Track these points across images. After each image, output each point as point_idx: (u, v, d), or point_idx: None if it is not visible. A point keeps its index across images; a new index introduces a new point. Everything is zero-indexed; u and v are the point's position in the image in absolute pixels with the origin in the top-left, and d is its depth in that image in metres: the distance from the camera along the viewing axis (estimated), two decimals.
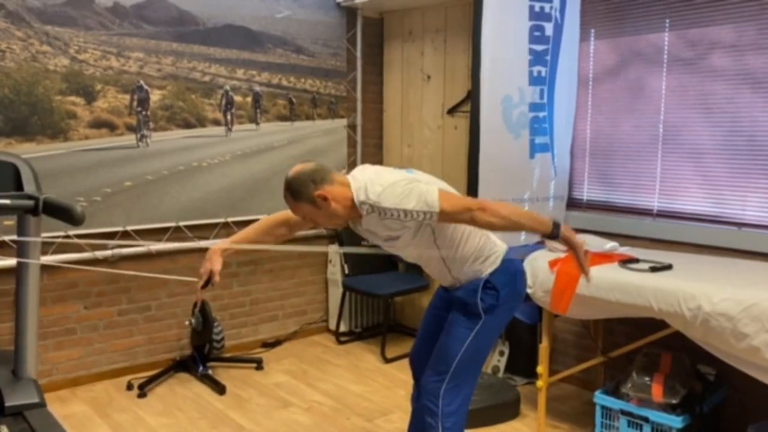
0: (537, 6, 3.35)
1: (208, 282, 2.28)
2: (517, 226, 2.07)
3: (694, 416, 2.75)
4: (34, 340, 2.56)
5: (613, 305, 2.71)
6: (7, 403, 2.35)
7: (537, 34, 3.38)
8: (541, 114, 3.47)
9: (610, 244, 3.15)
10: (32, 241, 2.46)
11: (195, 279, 2.33)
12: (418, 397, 2.46)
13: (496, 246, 2.31)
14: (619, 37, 3.48)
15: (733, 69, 3.08)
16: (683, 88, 3.26)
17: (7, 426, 2.24)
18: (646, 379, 2.84)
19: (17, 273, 2.50)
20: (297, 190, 2.13)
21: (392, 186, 2.04)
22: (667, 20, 3.28)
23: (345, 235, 4.45)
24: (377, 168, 2.20)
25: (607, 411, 2.91)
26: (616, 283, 2.68)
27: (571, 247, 2.14)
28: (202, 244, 3.97)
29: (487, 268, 2.25)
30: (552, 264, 2.91)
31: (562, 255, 3.00)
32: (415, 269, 4.56)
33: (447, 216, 2.04)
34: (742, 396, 3.05)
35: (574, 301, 2.81)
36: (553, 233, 2.09)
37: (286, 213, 2.35)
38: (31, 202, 2.31)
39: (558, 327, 3.77)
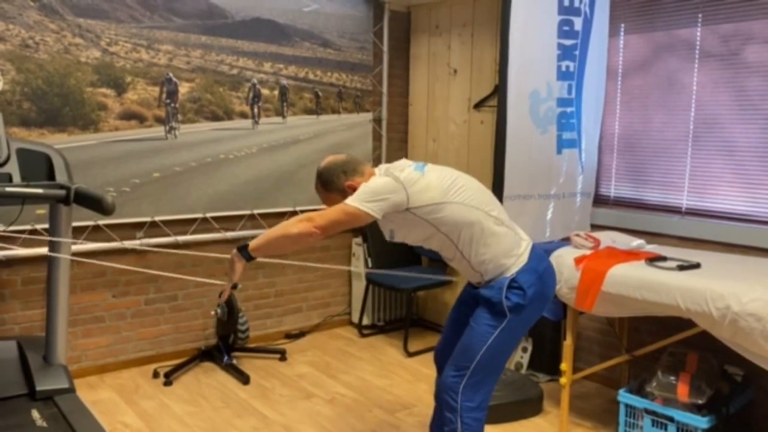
0: (566, 0, 3.32)
1: (235, 286, 2.38)
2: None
3: (720, 417, 2.71)
4: (64, 327, 2.61)
5: (639, 303, 2.68)
6: (38, 388, 2.40)
7: (566, 28, 3.34)
8: (569, 109, 3.43)
9: (636, 242, 3.11)
10: (63, 230, 2.51)
11: (219, 282, 2.47)
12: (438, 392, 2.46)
13: (522, 242, 2.29)
14: (650, 32, 3.43)
15: None
16: (715, 83, 3.21)
17: (38, 410, 2.29)
18: (672, 378, 2.80)
19: (48, 261, 2.55)
20: (328, 180, 2.13)
21: (370, 184, 2.10)
22: (700, 15, 3.23)
23: (369, 230, 4.45)
24: (389, 165, 2.25)
25: (631, 410, 2.89)
26: (642, 281, 2.65)
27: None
28: (229, 235, 4.01)
29: (513, 266, 2.23)
30: (578, 261, 2.89)
31: (588, 252, 2.97)
32: (438, 264, 4.55)
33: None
34: None
35: (599, 298, 2.79)
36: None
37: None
38: (62, 192, 2.36)
39: (582, 324, 3.74)
